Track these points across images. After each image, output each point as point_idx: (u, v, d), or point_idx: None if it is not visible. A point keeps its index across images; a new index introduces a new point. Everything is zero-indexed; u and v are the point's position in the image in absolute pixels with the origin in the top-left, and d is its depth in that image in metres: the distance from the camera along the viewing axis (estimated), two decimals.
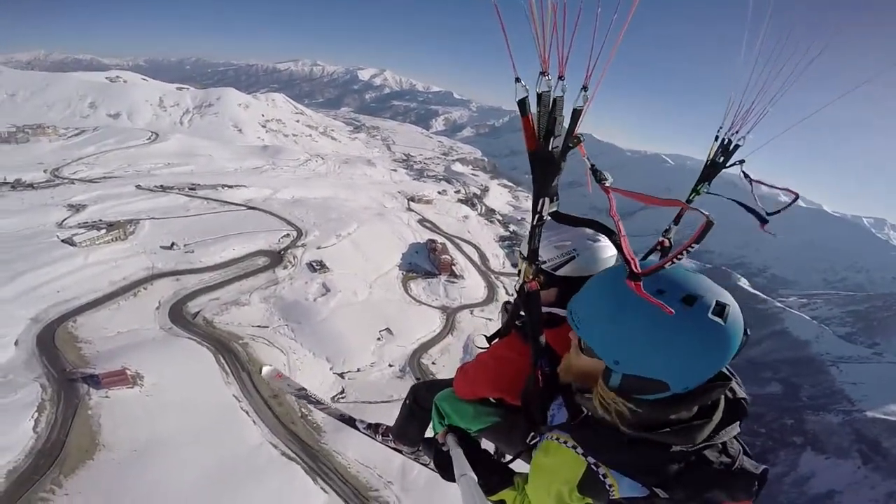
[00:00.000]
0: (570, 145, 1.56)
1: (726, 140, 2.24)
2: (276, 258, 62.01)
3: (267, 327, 51.23)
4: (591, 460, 1.39)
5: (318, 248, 66.74)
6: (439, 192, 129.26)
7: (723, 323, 1.25)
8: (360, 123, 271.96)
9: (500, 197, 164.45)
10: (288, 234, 68.45)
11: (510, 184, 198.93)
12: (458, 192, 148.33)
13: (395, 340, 55.88)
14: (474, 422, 2.30)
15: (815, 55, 1.74)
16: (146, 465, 30.67)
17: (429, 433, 2.93)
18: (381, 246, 75.10)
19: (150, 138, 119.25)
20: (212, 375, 40.44)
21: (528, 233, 1.85)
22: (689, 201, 2.27)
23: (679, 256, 1.19)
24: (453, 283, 72.05)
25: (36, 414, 32.24)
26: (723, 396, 1.45)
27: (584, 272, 2.01)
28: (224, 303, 51.97)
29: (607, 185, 1.57)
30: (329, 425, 38.67)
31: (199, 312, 49.57)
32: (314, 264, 62.69)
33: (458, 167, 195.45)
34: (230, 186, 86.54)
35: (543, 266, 2.08)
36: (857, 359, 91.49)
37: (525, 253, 1.94)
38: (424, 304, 66.26)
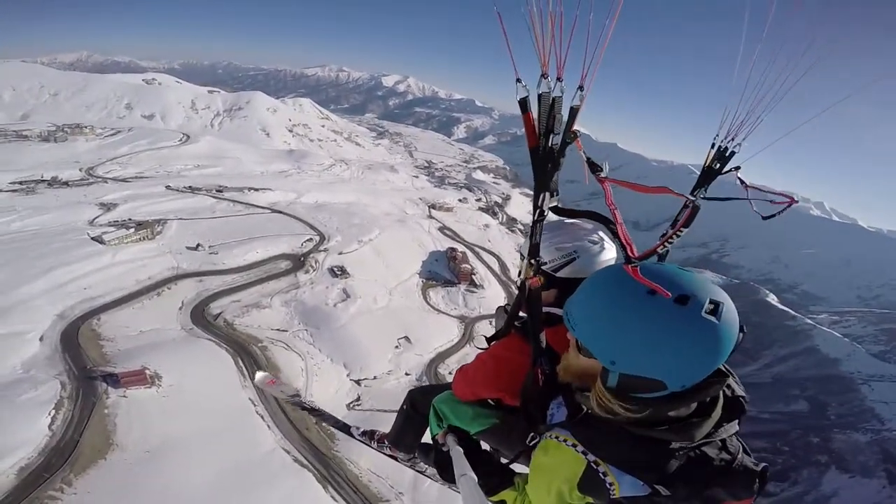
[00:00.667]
0: (568, 140, 1.65)
1: (722, 147, 2.19)
2: (298, 262, 62.17)
3: (286, 331, 51.16)
4: (591, 458, 1.39)
5: (340, 253, 66.78)
6: (460, 200, 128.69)
7: (717, 321, 1.26)
8: (384, 129, 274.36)
9: (521, 206, 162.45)
10: (311, 239, 68.72)
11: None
12: (479, 200, 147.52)
13: (413, 349, 55.19)
14: (473, 423, 2.27)
15: (811, 64, 1.69)
16: (158, 467, 30.48)
17: (426, 439, 2.89)
18: (402, 253, 74.78)
19: (181, 140, 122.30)
20: (229, 378, 40.30)
21: (528, 228, 1.86)
22: (685, 206, 2.24)
23: (670, 240, 1.24)
24: (473, 292, 71.08)
25: (53, 411, 32.25)
26: (722, 394, 1.46)
27: (584, 274, 1.96)
28: (245, 305, 52.12)
29: (602, 175, 1.68)
30: (342, 433, 38.33)
31: (220, 314, 49.77)
32: (335, 269, 62.65)
33: (479, 175, 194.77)
34: (256, 189, 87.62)
35: (544, 267, 2.07)
36: (891, 377, 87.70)
37: (525, 250, 1.94)
38: (443, 312, 65.46)
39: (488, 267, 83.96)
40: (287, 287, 57.49)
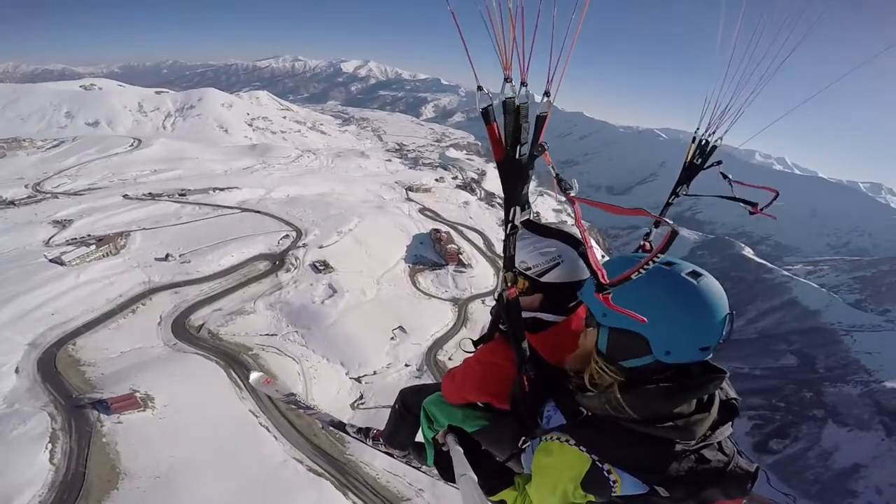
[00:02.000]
0: (536, 153, 1.58)
1: (703, 141, 2.21)
2: (278, 261, 59.33)
3: (276, 335, 49.07)
4: (596, 456, 1.44)
5: (320, 247, 64.12)
6: (437, 180, 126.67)
7: (695, 282, 1.39)
8: (349, 116, 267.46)
9: (496, 180, 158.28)
10: (287, 235, 65.73)
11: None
12: (455, 178, 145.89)
13: (410, 338, 53.87)
14: (463, 426, 2.26)
15: (787, 56, 1.74)
16: (172, 492, 29.27)
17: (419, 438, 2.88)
18: (385, 240, 72.63)
19: (132, 145, 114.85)
20: (225, 391, 38.56)
21: (502, 243, 1.86)
22: (668, 204, 2.42)
23: (645, 266, 1.25)
24: (462, 272, 69.80)
25: (49, 445, 30.63)
26: (717, 397, 1.52)
27: (568, 278, 2.06)
28: (228, 313, 49.54)
29: (572, 195, 1.63)
30: (353, 437, 37.61)
31: (202, 325, 47.27)
32: (318, 265, 60.16)
33: (452, 153, 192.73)
34: (222, 189, 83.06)
35: (528, 272, 2.10)
36: (870, 327, 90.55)
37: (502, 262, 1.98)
38: (434, 297, 64.14)
39: (474, 245, 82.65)
40: (270, 289, 54.88)
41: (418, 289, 65.07)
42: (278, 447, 34.77)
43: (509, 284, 1.85)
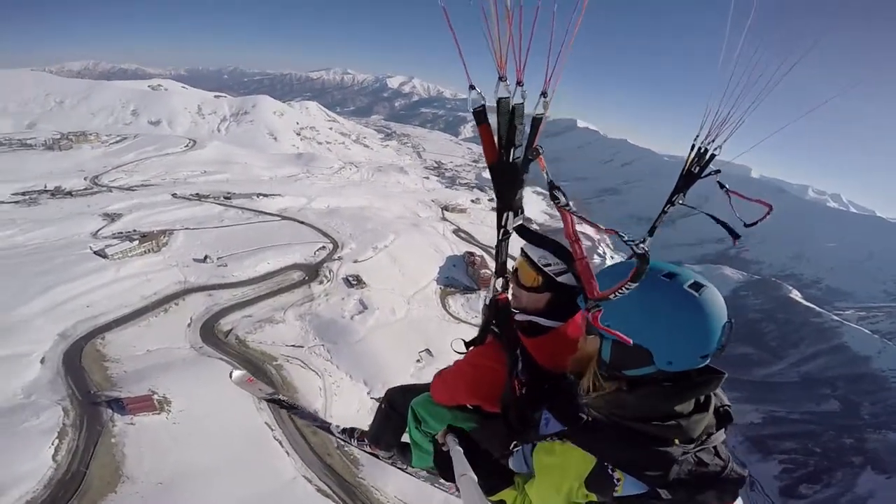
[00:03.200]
0: (530, 157, 1.54)
1: (703, 149, 2.17)
2: (312, 272, 58.95)
3: (302, 347, 48.02)
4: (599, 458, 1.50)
5: (355, 261, 63.48)
6: (472, 201, 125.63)
7: (697, 294, 1.39)
8: (391, 131, 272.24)
9: (534, 204, 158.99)
10: (324, 247, 65.57)
11: (543, 191, 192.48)
12: (491, 200, 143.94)
13: (435, 362, 51.64)
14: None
15: (794, 63, 1.74)
16: (173, 500, 28.45)
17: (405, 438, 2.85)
18: (419, 259, 71.45)
19: (187, 145, 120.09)
20: (243, 401, 36.76)
21: (494, 247, 1.83)
22: (663, 212, 2.39)
23: (621, 291, 1.26)
24: None
25: (56, 441, 30.22)
26: (713, 404, 1.57)
27: (575, 283, 2.01)
28: (258, 320, 49.05)
29: (561, 205, 1.58)
30: (367, 458, 35.96)
31: (231, 330, 46.85)
32: (350, 279, 59.36)
33: (489, 174, 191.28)
34: (265, 195, 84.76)
35: (547, 269, 2.06)
36: None
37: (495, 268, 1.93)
38: (464, 322, 61.88)
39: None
40: (301, 299, 54.27)
41: (448, 312, 63.22)
42: (289, 463, 33.72)
43: (500, 290, 1.83)
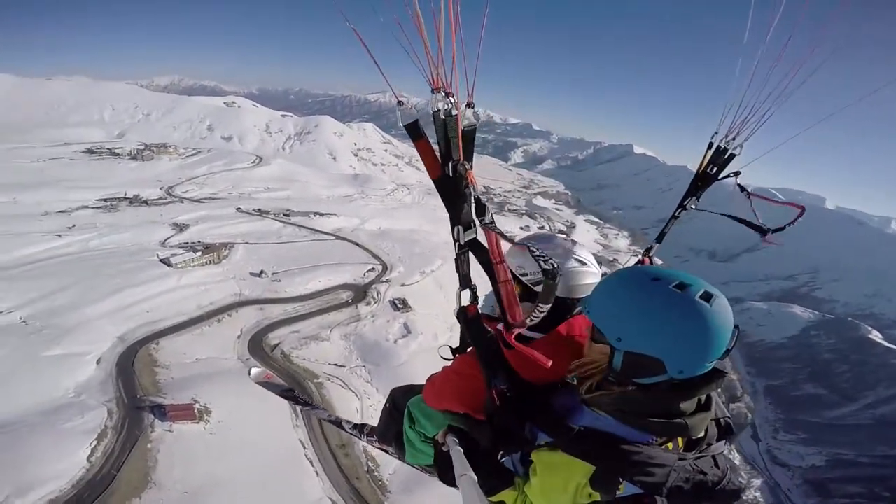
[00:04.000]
0: (460, 172, 1.51)
1: (721, 147, 2.07)
2: (360, 293, 58.98)
3: (344, 367, 47.61)
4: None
5: (402, 284, 63.02)
6: (522, 228, 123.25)
7: (708, 306, 1.40)
8: None
9: (587, 234, 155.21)
10: (373, 269, 65.75)
11: (597, 220, 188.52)
12: (541, 227, 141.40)
13: None
14: (441, 430, 2.24)
15: (829, 54, 1.61)
16: None
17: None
18: None
19: (254, 162, 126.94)
20: (280, 416, 37.30)
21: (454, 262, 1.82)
22: (675, 217, 2.35)
23: (534, 317, 1.32)
24: None
25: (95, 442, 30.75)
26: (715, 419, 1.61)
27: (561, 293, 1.97)
28: (304, 337, 49.31)
29: (486, 223, 1.58)
30: (395, 485, 35.41)
31: (278, 345, 47.26)
32: (397, 302, 58.81)
33: (539, 201, 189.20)
34: (322, 214, 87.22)
35: (524, 278, 2.06)
36: None
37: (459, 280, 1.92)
38: None
39: None
40: (347, 319, 54.19)
41: None
42: (317, 483, 33.08)
43: (469, 302, 1.82)
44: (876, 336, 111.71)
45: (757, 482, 70.45)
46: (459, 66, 1.34)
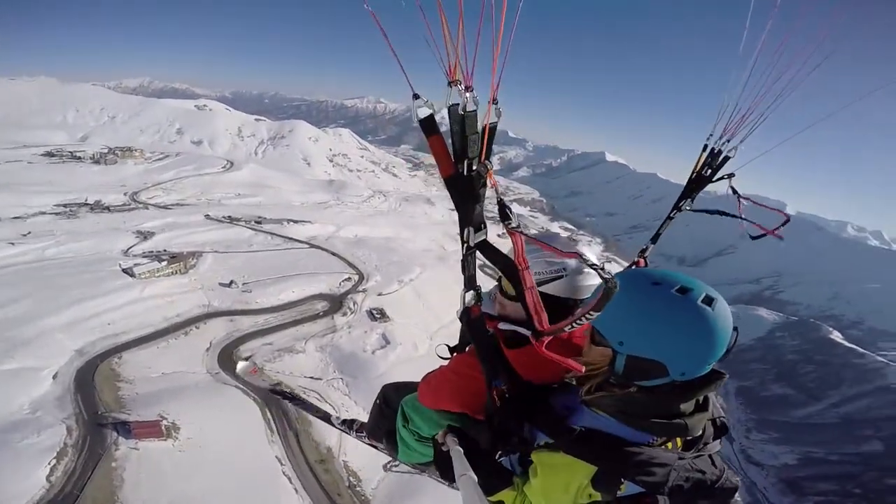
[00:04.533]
0: (481, 171, 1.46)
1: (716, 150, 2.10)
2: (336, 303, 57.71)
3: (320, 379, 46.34)
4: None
5: (380, 294, 62.09)
6: (499, 235, 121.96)
7: (710, 309, 1.41)
8: (419, 161, 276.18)
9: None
10: (349, 278, 64.53)
11: (571, 226, 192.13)
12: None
13: None
14: (437, 429, 2.25)
15: (828, 53, 1.61)
16: None
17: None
18: (443, 294, 69.15)
19: (224, 167, 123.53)
20: (255, 432, 36.24)
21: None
22: (670, 218, 2.35)
23: (579, 321, 1.23)
24: None
25: (54, 461, 29.21)
26: (711, 418, 1.63)
27: (567, 293, 1.97)
28: (277, 349, 47.76)
29: (511, 226, 1.52)
30: (378, 500, 34.71)
31: (249, 357, 45.58)
32: (374, 312, 57.80)
33: (515, 208, 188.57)
34: (295, 221, 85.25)
35: None
36: None
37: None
38: None
39: None
40: (323, 330, 52.83)
41: None
42: (296, 501, 32.01)
43: (467, 304, 1.80)
44: (837, 336, 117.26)
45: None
46: (476, 55, 1.26)
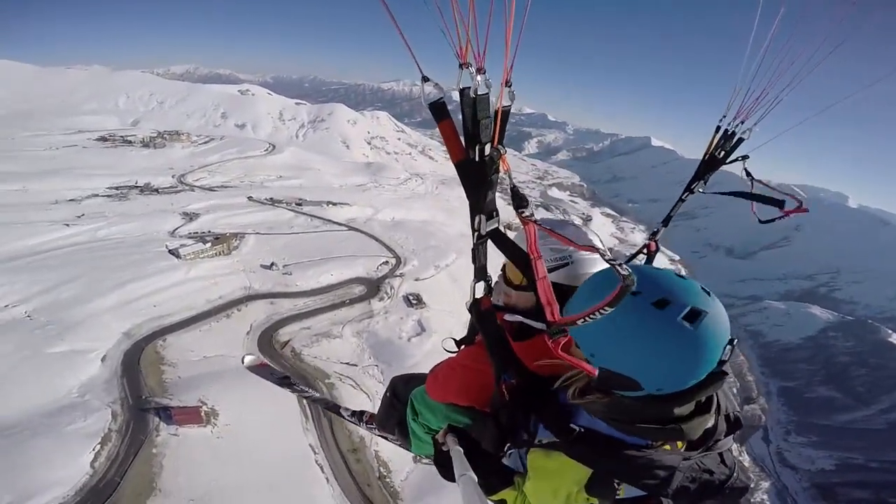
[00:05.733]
0: (493, 156, 1.43)
1: (730, 131, 2.04)
2: (373, 288, 56.97)
3: (356, 366, 45.84)
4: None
5: (416, 279, 60.87)
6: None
7: (690, 327, 1.26)
8: None
9: (603, 227, 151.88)
10: (387, 261, 63.59)
11: (613, 213, 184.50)
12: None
13: None
14: (445, 423, 2.17)
15: (849, 33, 1.50)
16: None
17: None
18: None
19: (267, 150, 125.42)
20: (290, 419, 36.05)
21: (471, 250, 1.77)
22: (681, 200, 2.31)
23: (592, 316, 1.16)
24: None
25: (98, 446, 29.59)
26: (723, 412, 1.54)
27: (572, 281, 1.89)
28: (315, 333, 47.53)
29: (525, 215, 1.51)
30: (407, 491, 34.27)
31: (288, 342, 45.58)
32: (411, 298, 56.71)
33: (555, 193, 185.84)
34: (335, 204, 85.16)
35: None
36: None
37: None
38: None
39: None
40: (360, 315, 52.28)
41: None
42: (327, 491, 31.88)
43: (482, 294, 1.79)
44: None
45: (765, 485, 69.56)
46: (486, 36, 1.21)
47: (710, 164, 2.11)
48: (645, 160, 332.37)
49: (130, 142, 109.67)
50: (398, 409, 2.93)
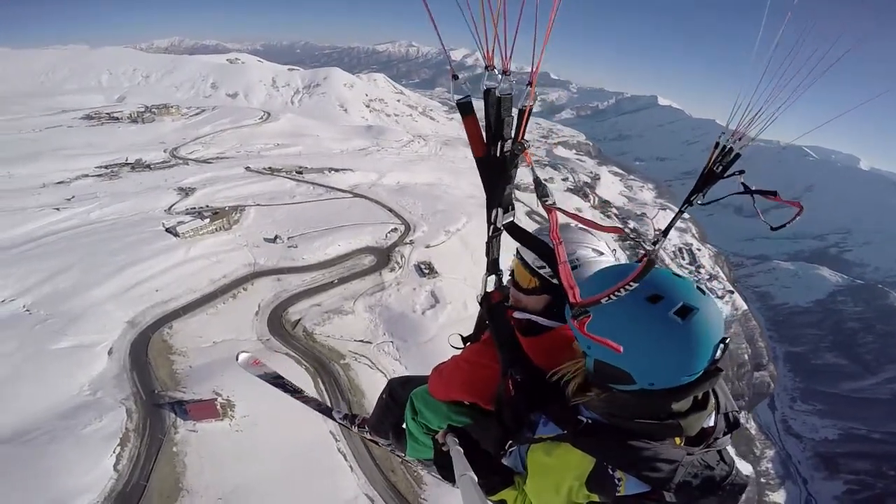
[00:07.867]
0: (517, 151, 1.51)
1: (727, 147, 2.12)
2: (383, 257, 54.23)
3: (370, 343, 43.92)
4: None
5: (427, 246, 58.06)
6: (545, 180, 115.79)
7: (681, 322, 1.28)
8: (455, 104, 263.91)
9: (612, 186, 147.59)
10: (395, 229, 60.63)
11: (621, 171, 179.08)
12: (565, 179, 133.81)
13: None
14: (446, 422, 2.23)
15: (841, 55, 1.56)
16: None
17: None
18: None
19: (261, 117, 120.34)
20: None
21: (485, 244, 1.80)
22: (681, 212, 2.42)
23: (618, 292, 1.21)
24: None
25: (118, 448, 28.37)
26: (723, 410, 1.55)
27: None
28: (326, 310, 45.28)
29: (549, 203, 1.55)
30: (430, 477, 31.71)
31: (299, 321, 43.43)
32: (423, 267, 54.10)
33: (561, 151, 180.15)
34: (337, 170, 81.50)
35: (542, 271, 2.00)
36: None
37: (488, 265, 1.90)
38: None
39: None
40: (371, 288, 49.83)
41: None
42: (352, 480, 31.18)
43: (493, 288, 1.80)
44: None
45: (770, 453, 69.52)
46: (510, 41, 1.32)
47: (708, 178, 2.09)
48: (651, 119, 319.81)
49: (117, 118, 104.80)
50: (394, 411, 2.89)
